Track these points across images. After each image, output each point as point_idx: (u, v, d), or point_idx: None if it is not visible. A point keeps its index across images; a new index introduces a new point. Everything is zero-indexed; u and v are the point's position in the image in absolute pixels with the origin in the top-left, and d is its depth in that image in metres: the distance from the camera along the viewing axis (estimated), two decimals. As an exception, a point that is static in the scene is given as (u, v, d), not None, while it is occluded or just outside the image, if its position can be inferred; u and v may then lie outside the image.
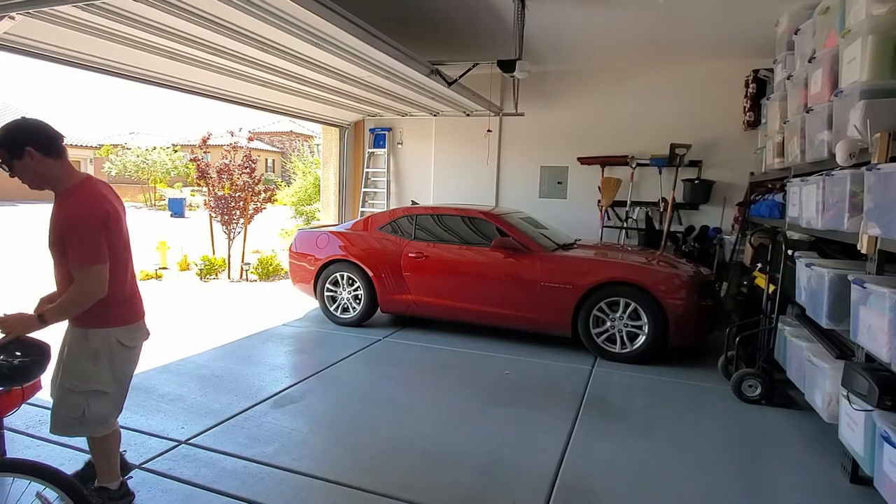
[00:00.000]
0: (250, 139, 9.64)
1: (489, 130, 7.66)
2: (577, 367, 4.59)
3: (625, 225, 7.17)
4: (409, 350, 5.03)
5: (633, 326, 4.68)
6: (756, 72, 6.06)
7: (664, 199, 6.92)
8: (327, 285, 5.84)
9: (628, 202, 7.15)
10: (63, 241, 2.10)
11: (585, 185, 7.43)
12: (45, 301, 2.26)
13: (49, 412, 2.25)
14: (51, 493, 1.77)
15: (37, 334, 2.08)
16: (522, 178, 7.82)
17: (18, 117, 2.16)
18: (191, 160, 9.26)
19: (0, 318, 1.99)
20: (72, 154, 24.98)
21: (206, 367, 4.35)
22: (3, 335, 1.99)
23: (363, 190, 8.78)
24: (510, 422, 3.48)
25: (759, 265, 4.33)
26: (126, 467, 2.55)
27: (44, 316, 2.06)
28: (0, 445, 2.54)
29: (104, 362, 2.22)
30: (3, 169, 2.10)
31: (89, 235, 2.10)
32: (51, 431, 2.26)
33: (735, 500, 2.68)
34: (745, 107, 6.27)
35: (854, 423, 2.67)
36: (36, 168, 2.10)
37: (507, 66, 5.37)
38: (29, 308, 2.18)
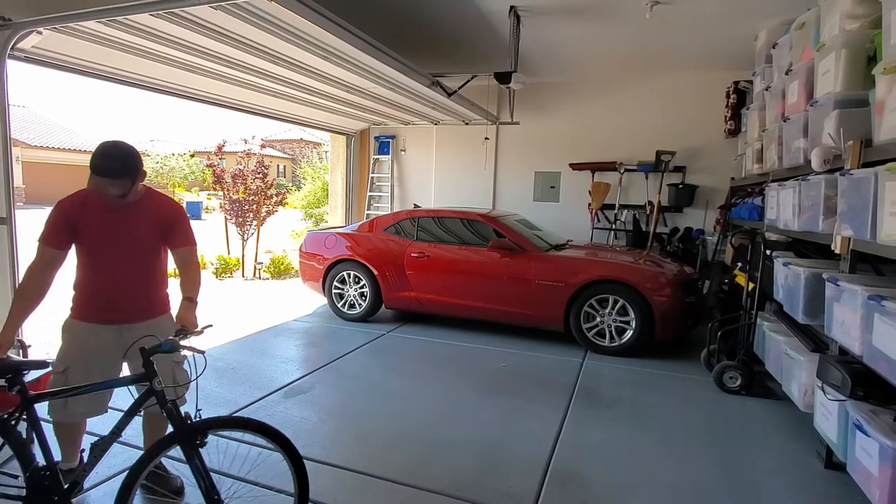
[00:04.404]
0: (263, 146, 9.65)
1: (486, 138, 7.67)
2: (568, 359, 4.59)
3: (613, 227, 7.17)
4: (412, 344, 5.03)
5: (621, 322, 4.68)
6: (736, 83, 6.07)
7: (650, 203, 6.93)
8: (335, 283, 5.83)
9: (617, 205, 7.15)
10: (172, 228, 2.27)
11: (577, 189, 7.44)
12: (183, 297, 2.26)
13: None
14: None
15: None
16: (518, 183, 7.82)
17: (115, 142, 2.11)
18: (207, 166, 9.23)
19: (188, 324, 2.09)
20: (95, 160, 25.13)
21: (221, 360, 4.34)
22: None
23: (368, 194, 8.78)
24: (506, 411, 3.48)
25: (740, 264, 4.32)
26: None
27: (193, 298, 2.22)
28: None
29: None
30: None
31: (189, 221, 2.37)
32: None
33: (716, 484, 2.68)
34: (726, 116, 6.28)
35: (828, 413, 2.67)
36: (141, 182, 2.17)
37: (504, 77, 5.38)
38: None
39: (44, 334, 4.95)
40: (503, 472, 2.72)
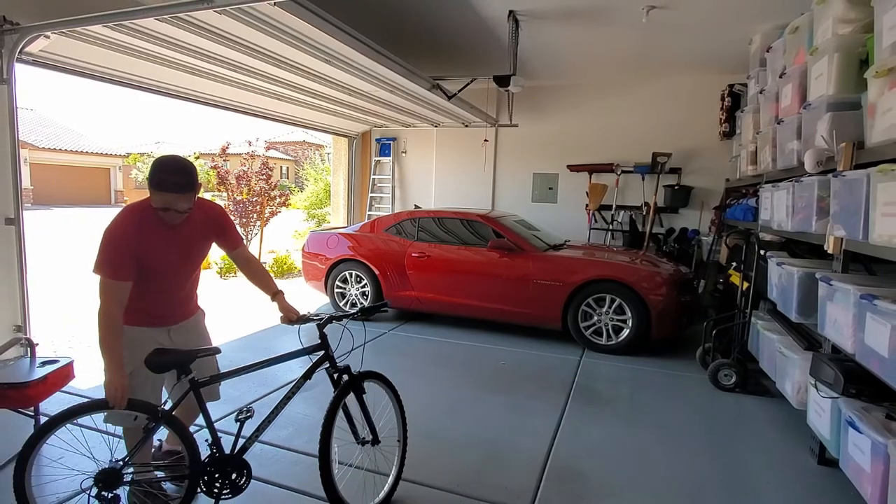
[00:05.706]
0: (266, 148, 9.67)
1: (486, 140, 7.67)
2: (566, 357, 4.59)
3: (610, 227, 7.17)
4: (413, 342, 5.03)
5: (618, 320, 4.68)
6: (731, 86, 6.07)
7: (646, 204, 6.92)
8: (337, 282, 5.84)
9: (614, 206, 7.15)
10: (225, 232, 2.40)
11: (574, 190, 7.43)
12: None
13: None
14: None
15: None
16: (516, 184, 7.82)
17: (173, 157, 2.06)
18: (212, 167, 9.23)
19: (295, 312, 2.57)
20: (102, 162, 25.28)
21: (225, 358, 4.26)
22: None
23: (370, 195, 8.78)
24: (505, 408, 3.48)
25: (734, 264, 4.33)
26: None
27: (280, 290, 2.57)
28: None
29: None
30: (186, 209, 2.04)
31: None
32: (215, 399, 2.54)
33: (711, 480, 2.68)
34: (721, 118, 6.28)
35: (821, 410, 2.68)
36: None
37: (503, 81, 5.38)
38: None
39: (47, 332, 4.95)
40: (503, 468, 2.72)
